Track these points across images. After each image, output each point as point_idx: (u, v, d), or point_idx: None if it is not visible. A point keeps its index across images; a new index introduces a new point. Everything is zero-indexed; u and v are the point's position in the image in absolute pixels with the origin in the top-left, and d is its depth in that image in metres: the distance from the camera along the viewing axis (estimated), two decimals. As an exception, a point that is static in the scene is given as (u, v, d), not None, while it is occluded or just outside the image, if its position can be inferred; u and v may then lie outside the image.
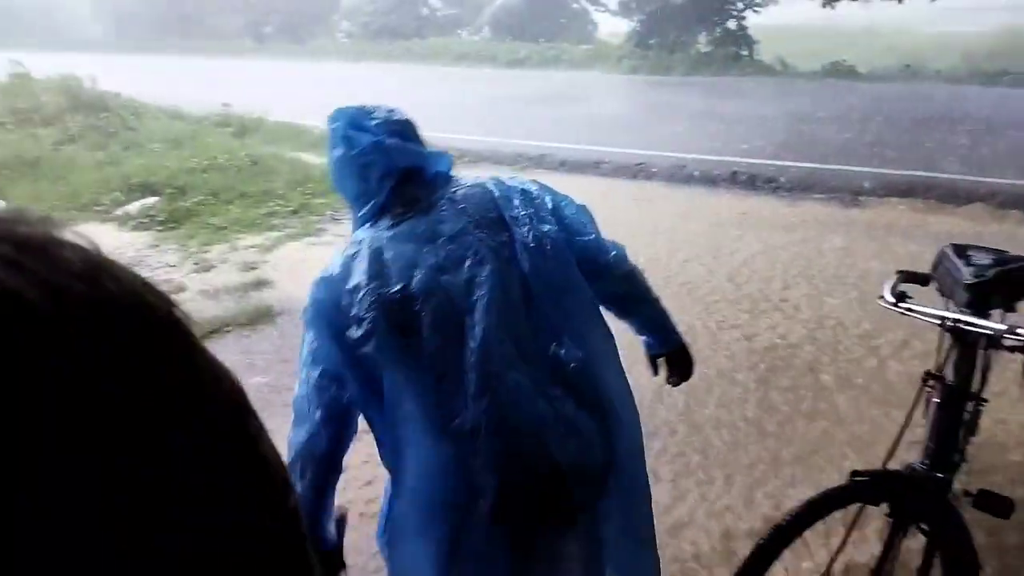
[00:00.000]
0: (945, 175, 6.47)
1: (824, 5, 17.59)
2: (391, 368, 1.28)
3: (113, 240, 5.65)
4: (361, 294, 1.29)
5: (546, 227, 1.38)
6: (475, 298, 1.28)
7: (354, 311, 1.28)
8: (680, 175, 7.11)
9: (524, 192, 1.44)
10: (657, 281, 3.56)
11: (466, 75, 15.57)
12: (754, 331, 3.83)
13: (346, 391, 1.32)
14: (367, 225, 1.40)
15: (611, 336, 1.44)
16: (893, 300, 1.75)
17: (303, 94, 14.02)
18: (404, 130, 1.46)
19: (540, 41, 20.44)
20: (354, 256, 1.34)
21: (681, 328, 1.69)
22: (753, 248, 5.05)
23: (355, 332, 1.27)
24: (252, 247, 5.39)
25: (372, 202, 1.39)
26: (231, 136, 9.12)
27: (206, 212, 6.16)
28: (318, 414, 1.33)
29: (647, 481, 1.48)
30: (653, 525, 1.48)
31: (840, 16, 18.82)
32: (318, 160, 7.90)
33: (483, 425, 1.24)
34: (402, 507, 1.35)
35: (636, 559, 1.46)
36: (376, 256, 1.32)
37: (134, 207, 6.20)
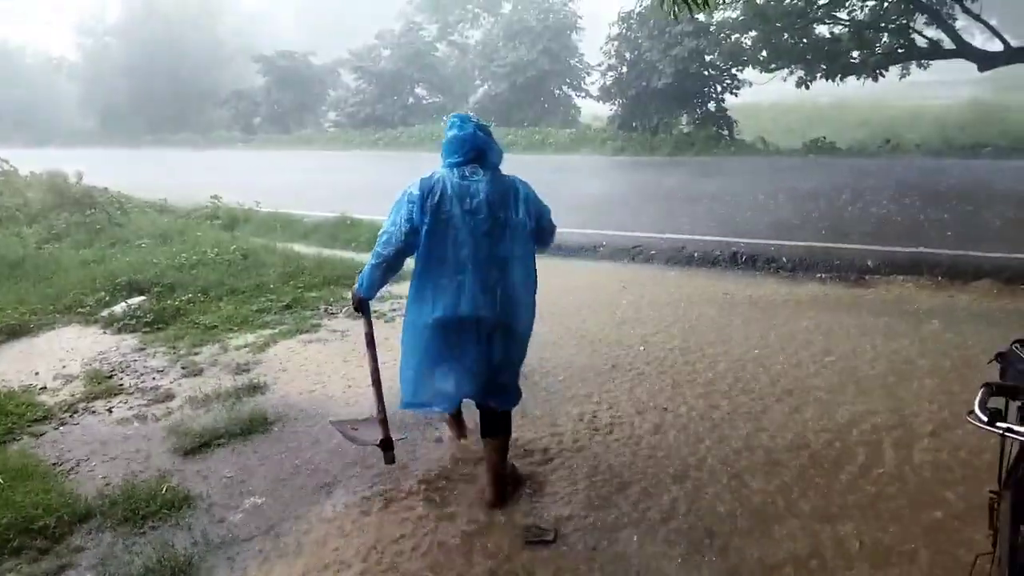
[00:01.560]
0: (948, 251, 6.40)
1: (799, 85, 18.09)
2: (427, 238, 2.92)
3: (96, 344, 5.39)
4: (434, 197, 2.92)
5: (520, 215, 3.01)
6: (471, 231, 2.92)
7: (428, 206, 2.91)
8: (680, 257, 7.02)
9: (526, 194, 3.06)
10: (686, 370, 3.26)
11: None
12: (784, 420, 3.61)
13: (416, 238, 2.94)
14: (445, 167, 3.03)
15: (533, 272, 3.13)
16: (986, 419, 1.56)
17: (292, 184, 14.08)
18: (488, 130, 3.10)
19: (525, 126, 20.83)
20: (437, 177, 2.98)
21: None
22: (769, 331, 4.88)
23: (423, 215, 2.91)
24: (244, 347, 5.14)
25: (455, 159, 3.01)
26: (221, 229, 8.99)
27: (195, 311, 5.93)
28: (398, 247, 2.97)
29: (527, 334, 3.18)
30: (522, 359, 3.19)
31: (811, 94, 19.39)
32: (310, 250, 7.79)
33: (460, 287, 2.92)
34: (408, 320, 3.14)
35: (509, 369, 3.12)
36: (444, 185, 2.95)
37: (119, 308, 5.96)
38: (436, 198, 2.92)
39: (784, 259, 6.59)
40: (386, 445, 3.29)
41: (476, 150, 3.01)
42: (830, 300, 5.63)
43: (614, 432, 3.66)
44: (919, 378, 4.08)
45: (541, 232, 3.12)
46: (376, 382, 3.31)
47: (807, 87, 17.98)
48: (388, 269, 3.06)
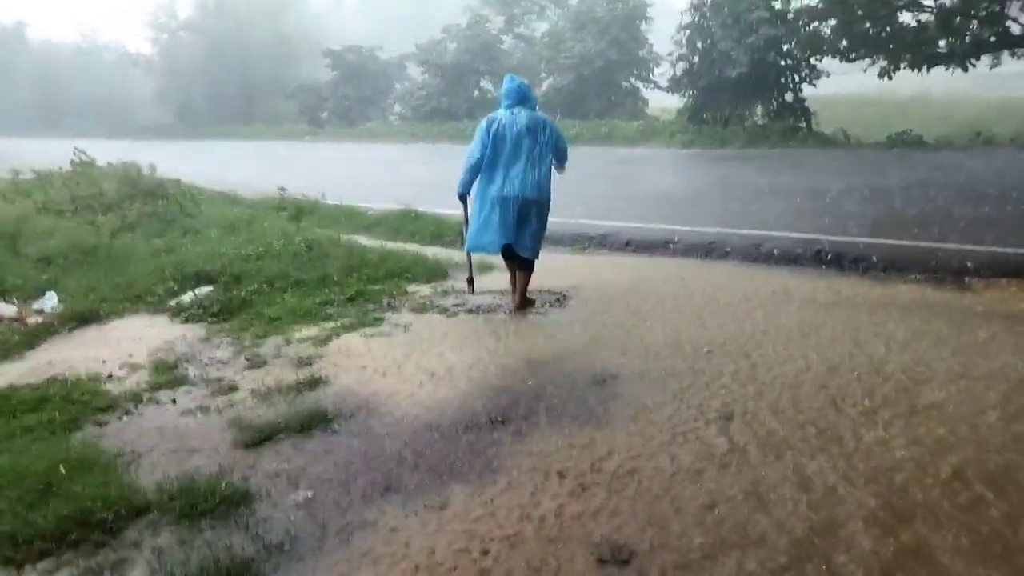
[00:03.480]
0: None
1: (881, 75, 17.21)
2: (490, 150, 5.23)
3: (163, 333, 5.40)
4: (495, 125, 5.27)
5: (545, 137, 5.24)
6: (515, 145, 5.21)
7: (492, 130, 5.25)
8: (756, 253, 6.65)
9: (550, 126, 5.32)
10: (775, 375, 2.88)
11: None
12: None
13: (482, 157, 5.25)
14: (502, 108, 5.37)
15: (551, 169, 5.33)
16: None
17: (357, 176, 14.14)
18: (528, 87, 5.51)
19: (591, 118, 20.48)
20: (496, 114, 5.35)
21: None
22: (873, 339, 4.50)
23: (489, 136, 5.25)
24: (306, 339, 5.06)
25: (507, 102, 5.38)
26: (287, 220, 9.01)
27: (260, 302, 5.90)
28: (475, 160, 5.28)
29: (546, 210, 5.37)
30: (544, 227, 5.43)
31: (892, 86, 18.44)
32: (373, 243, 7.72)
33: (508, 177, 5.21)
34: (477, 196, 5.39)
35: (533, 234, 5.32)
36: (500, 118, 5.30)
37: (187, 298, 5.98)
38: (495, 127, 5.29)
39: (874, 258, 6.15)
40: (471, 284, 6.00)
41: (519, 96, 5.40)
42: (928, 304, 5.19)
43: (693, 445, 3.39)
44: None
45: (559, 152, 5.39)
46: (468, 254, 5.89)
47: (890, 78, 17.07)
48: (472, 172, 5.38)
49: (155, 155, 11.32)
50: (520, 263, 5.42)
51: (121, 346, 5.13)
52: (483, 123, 5.33)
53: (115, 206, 9.21)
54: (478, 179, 5.34)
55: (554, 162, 5.35)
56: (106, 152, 11.78)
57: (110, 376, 4.57)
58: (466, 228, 5.57)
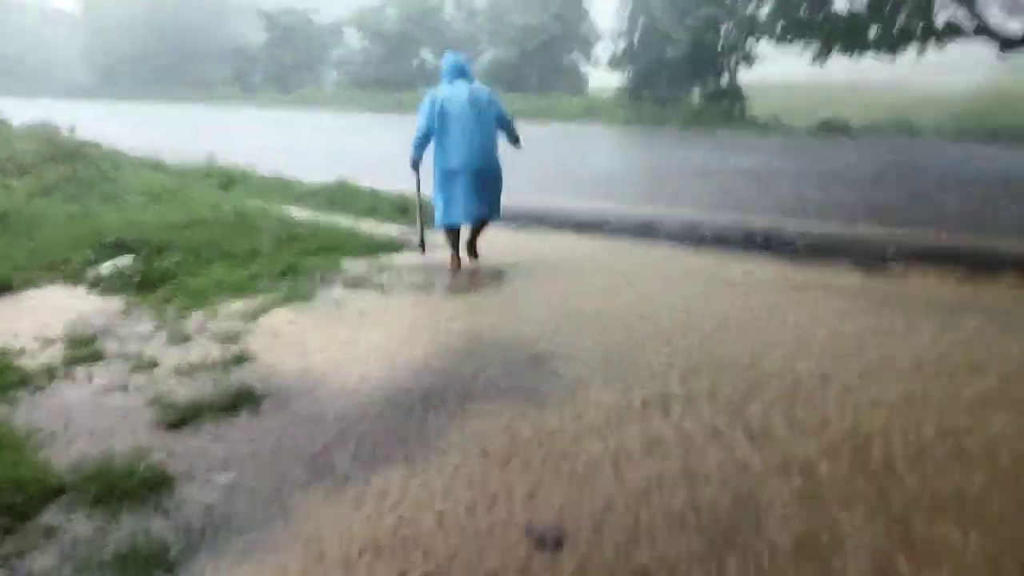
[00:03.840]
0: (981, 241, 6.15)
1: (815, 60, 17.67)
2: (438, 124, 5.62)
3: (81, 305, 5.15)
4: (438, 101, 5.61)
5: (486, 107, 5.67)
6: (459, 116, 5.57)
7: (436, 106, 5.60)
8: (692, 236, 6.76)
9: (491, 97, 5.74)
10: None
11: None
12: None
13: (433, 125, 5.62)
14: (443, 85, 5.73)
15: (496, 139, 5.78)
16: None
17: (291, 145, 13.75)
18: (465, 62, 5.87)
19: (532, 93, 20.40)
20: (439, 90, 5.69)
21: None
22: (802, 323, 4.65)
23: (435, 111, 5.61)
24: (234, 314, 4.90)
25: (448, 77, 5.74)
26: (216, 189, 8.69)
27: (185, 274, 5.68)
28: (423, 133, 5.67)
29: (499, 174, 5.83)
30: (500, 190, 5.90)
31: (822, 73, 18.97)
32: (306, 215, 7.52)
33: (457, 149, 5.61)
34: (435, 173, 5.78)
35: (491, 197, 5.83)
36: (443, 93, 5.65)
37: (106, 268, 5.71)
38: (439, 103, 5.64)
39: (799, 243, 6.34)
40: (422, 247, 6.38)
41: (458, 70, 5.80)
42: (847, 287, 5.39)
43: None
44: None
45: (507, 125, 5.88)
46: (419, 212, 6.40)
47: (822, 63, 17.55)
48: (421, 144, 5.79)
49: (76, 116, 10.72)
50: (478, 226, 6.07)
51: (35, 318, 4.87)
52: (427, 98, 5.70)
53: (31, 169, 8.70)
54: (433, 155, 5.74)
55: (505, 137, 5.88)
56: (23, 112, 11.12)
57: (22, 350, 4.33)
58: (418, 197, 6.28)
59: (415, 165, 5.97)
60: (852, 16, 16.70)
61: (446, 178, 5.70)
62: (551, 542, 2.60)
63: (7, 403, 3.67)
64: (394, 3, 25.78)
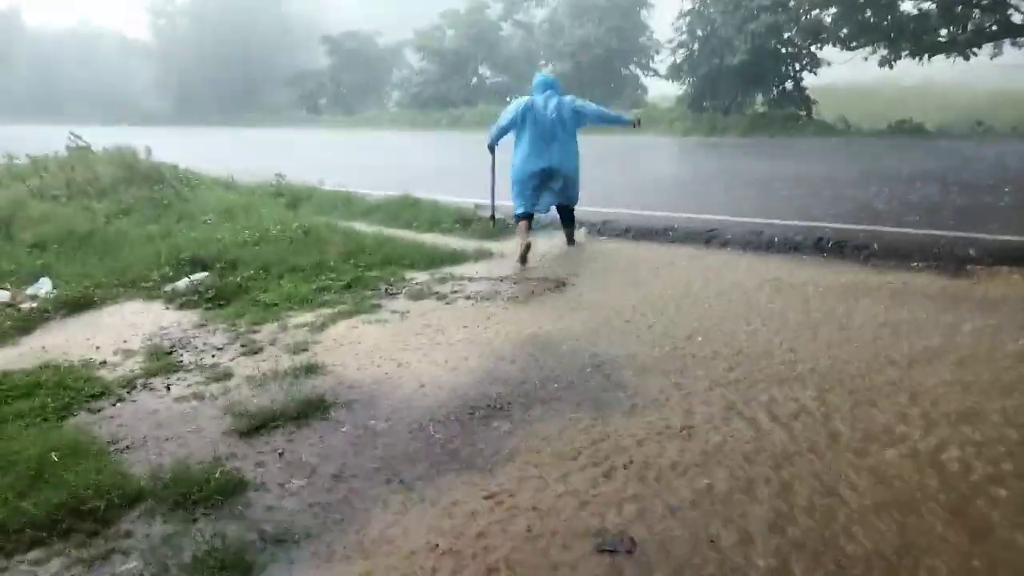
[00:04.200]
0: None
1: (882, 64, 17.11)
2: (520, 127, 6.65)
3: (158, 319, 5.34)
4: (525, 106, 6.59)
5: (568, 115, 6.57)
6: (543, 123, 6.53)
7: (522, 109, 6.60)
8: (756, 241, 6.59)
9: (571, 103, 6.61)
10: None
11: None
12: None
13: (510, 124, 6.71)
14: (537, 95, 6.68)
15: (576, 144, 6.81)
16: None
17: (355, 163, 14.05)
18: (555, 80, 6.98)
19: (590, 106, 20.37)
20: (532, 100, 6.63)
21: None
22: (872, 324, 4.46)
23: (519, 113, 6.62)
24: (303, 326, 5.00)
25: (538, 92, 6.69)
26: (284, 206, 8.93)
27: (256, 287, 5.84)
28: (501, 127, 6.79)
29: (577, 173, 6.86)
30: (578, 182, 6.92)
31: (892, 75, 18.34)
32: (371, 229, 7.65)
33: (537, 152, 6.58)
34: (513, 170, 6.73)
35: (569, 191, 6.82)
36: (532, 102, 6.62)
37: (182, 283, 5.92)
38: (531, 111, 6.56)
39: (875, 245, 6.10)
40: (492, 220, 7.52)
41: (547, 84, 6.77)
42: (926, 290, 5.14)
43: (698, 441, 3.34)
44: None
45: (589, 113, 6.67)
46: (492, 189, 7.38)
47: (891, 67, 16.97)
48: (500, 134, 6.89)
49: (152, 141, 11.21)
50: (564, 215, 7.00)
51: (115, 332, 5.07)
52: (520, 101, 6.65)
53: (111, 191, 9.13)
54: (513, 153, 6.74)
55: (605, 120, 6.92)
56: (103, 138, 11.67)
57: (104, 362, 4.51)
58: (492, 176, 7.28)
59: (492, 147, 7.07)
60: (922, 17, 16.12)
61: (524, 176, 6.61)
62: (621, 551, 2.54)
63: (89, 412, 3.82)
64: (453, 23, 26.18)
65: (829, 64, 17.58)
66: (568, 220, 7.00)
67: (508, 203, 7.01)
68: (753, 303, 5.01)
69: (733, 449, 3.15)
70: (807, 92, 17.06)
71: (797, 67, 17.14)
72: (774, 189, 8.82)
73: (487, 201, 7.57)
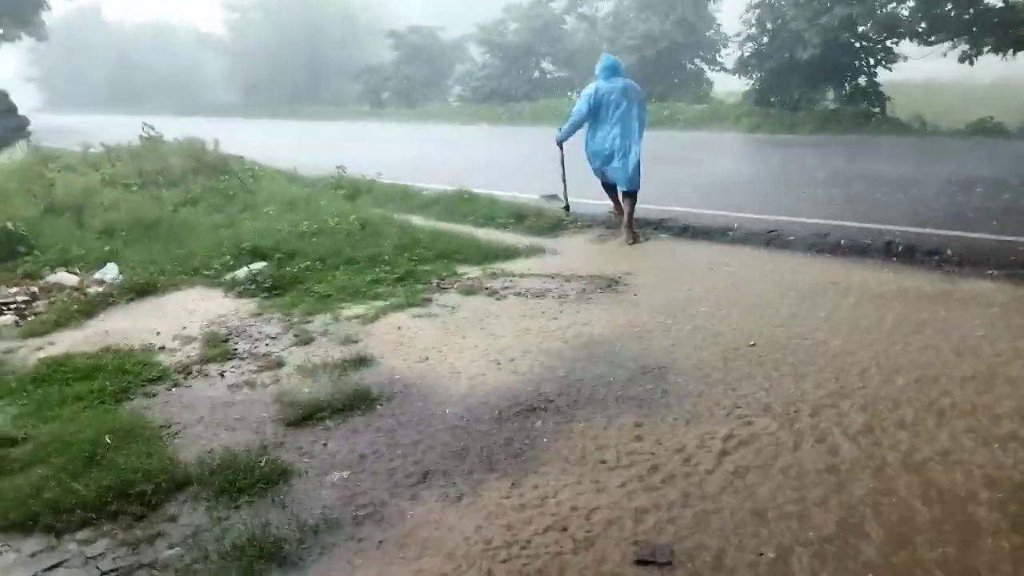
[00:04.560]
0: None
1: (962, 60, 16.27)
2: (593, 114, 6.96)
3: (217, 307, 5.47)
4: (592, 96, 6.93)
5: (635, 99, 6.94)
6: (613, 106, 6.87)
7: (594, 99, 6.91)
8: (822, 243, 6.34)
9: (639, 91, 7.08)
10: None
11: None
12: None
13: (586, 116, 7.01)
14: (600, 81, 6.95)
15: (642, 125, 7.00)
16: None
17: (415, 157, 14.16)
18: (617, 62, 7.20)
19: (653, 100, 20.04)
20: (596, 84, 6.96)
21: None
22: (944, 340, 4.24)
23: (590, 103, 6.94)
24: (355, 318, 5.05)
25: (604, 74, 6.97)
26: (343, 199, 9.05)
27: (312, 278, 5.92)
28: (577, 120, 7.13)
29: (640, 152, 6.92)
30: (640, 164, 6.92)
31: (971, 71, 17.43)
32: (426, 223, 7.68)
33: (611, 132, 6.93)
34: (589, 152, 7.18)
35: (636, 172, 6.94)
36: (600, 87, 6.92)
37: (242, 272, 6.05)
38: (596, 94, 6.89)
39: (948, 251, 5.79)
40: (567, 209, 7.80)
41: (613, 68, 7.00)
42: (1002, 299, 4.85)
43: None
44: None
45: (643, 114, 7.05)
46: (563, 181, 7.74)
47: (972, 62, 16.11)
48: (574, 127, 7.20)
49: (221, 133, 11.50)
50: (628, 196, 7.00)
51: (176, 318, 5.22)
52: (590, 89, 7.01)
53: (179, 180, 9.42)
54: (587, 137, 7.12)
55: (643, 123, 7.08)
56: (175, 129, 12.05)
57: (163, 347, 4.64)
58: (563, 168, 7.63)
59: (561, 144, 7.44)
60: (1007, 9, 15.24)
61: (600, 156, 7.03)
62: (659, 560, 2.46)
63: (146, 396, 3.93)
64: (516, 16, 26.10)
65: (905, 59, 16.83)
66: (633, 197, 6.97)
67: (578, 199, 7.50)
68: (813, 309, 4.82)
69: (779, 463, 3.03)
70: (881, 88, 16.35)
71: (871, 62, 16.43)
72: (842, 189, 8.47)
73: (558, 194, 8.01)
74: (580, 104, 7.04)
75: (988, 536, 2.51)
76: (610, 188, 7.29)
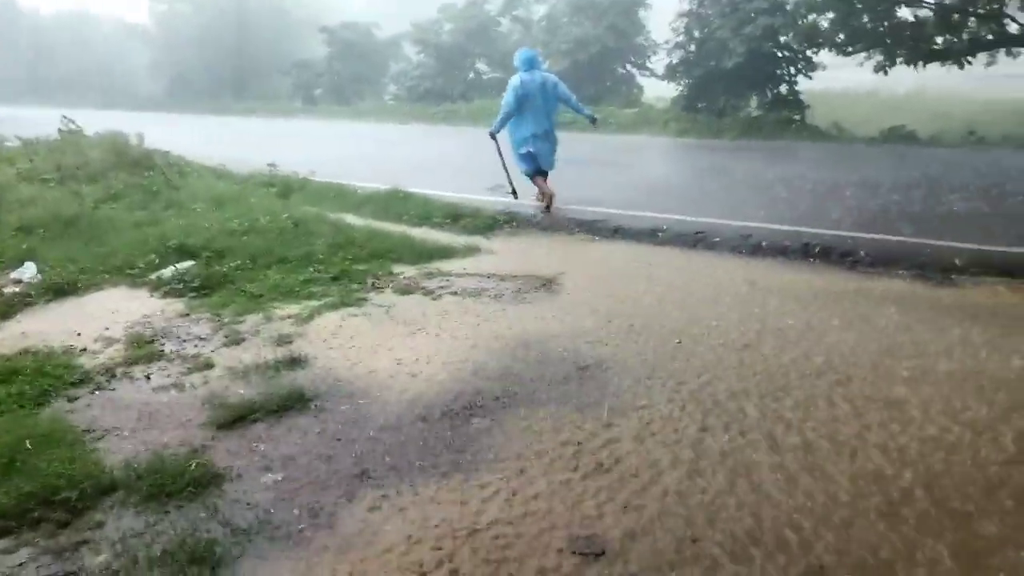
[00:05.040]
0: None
1: (877, 70, 17.11)
2: (517, 105, 7.80)
3: (142, 307, 5.31)
4: (519, 89, 7.76)
5: (551, 90, 7.88)
6: (534, 97, 7.79)
7: (518, 92, 7.77)
8: (745, 246, 6.59)
9: (555, 81, 7.97)
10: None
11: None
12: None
13: (515, 108, 7.81)
14: (521, 73, 7.84)
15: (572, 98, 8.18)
16: None
17: (348, 155, 13.99)
18: (536, 55, 8.15)
19: (585, 104, 20.32)
20: (521, 80, 7.78)
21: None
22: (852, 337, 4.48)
23: (517, 96, 7.78)
24: (288, 318, 4.98)
25: (524, 67, 7.85)
26: (275, 197, 8.88)
27: (243, 278, 5.80)
28: (508, 112, 7.87)
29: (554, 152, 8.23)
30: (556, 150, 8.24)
31: (886, 82, 18.34)
32: (361, 222, 7.62)
33: (535, 120, 7.90)
34: (515, 140, 8.08)
35: (553, 151, 8.23)
36: (523, 79, 7.79)
37: (168, 271, 5.88)
38: (522, 87, 7.70)
39: (862, 252, 6.11)
40: (513, 194, 8.42)
41: (532, 61, 7.88)
42: (909, 298, 5.16)
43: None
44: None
45: (572, 102, 8.06)
46: (505, 168, 8.38)
47: (886, 73, 16.94)
48: (504, 122, 7.92)
49: (146, 127, 11.11)
50: (545, 174, 8.15)
51: (98, 319, 5.04)
52: (515, 82, 7.81)
53: (100, 176, 9.07)
54: (511, 127, 7.98)
55: (576, 112, 8.38)
56: (97, 122, 11.59)
57: (84, 350, 4.48)
58: (501, 158, 8.34)
59: (494, 135, 8.17)
60: (918, 24, 16.11)
61: (526, 141, 7.93)
62: (592, 553, 2.54)
63: (67, 400, 3.80)
64: (451, 17, 26.04)
65: (824, 68, 17.56)
66: (546, 175, 8.20)
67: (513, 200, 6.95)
68: (733, 308, 5.02)
69: (710, 451, 3.16)
70: (801, 96, 17.05)
71: (792, 71, 17.11)
72: (764, 193, 8.82)
73: (502, 183, 8.68)
74: (508, 97, 7.84)
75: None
76: (536, 174, 8.09)
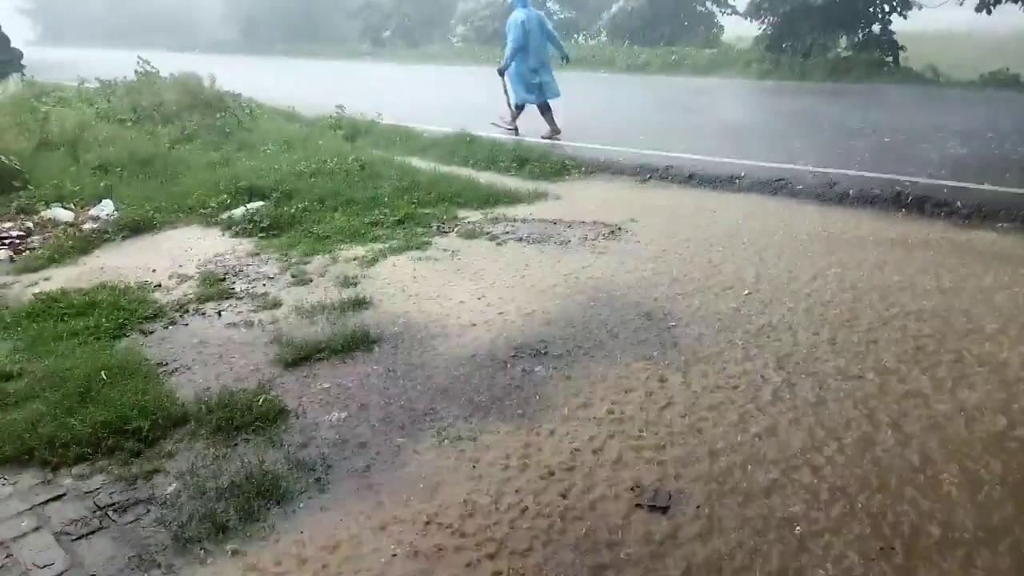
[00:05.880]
0: None
1: (979, 9, 15.81)
2: (523, 38, 8.54)
3: (214, 246, 5.40)
4: (525, 24, 8.52)
5: (545, 23, 8.82)
6: (536, 31, 8.58)
7: (525, 26, 8.55)
8: (830, 194, 6.22)
9: (545, 18, 8.89)
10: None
11: (582, 79, 14.93)
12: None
13: (524, 43, 8.55)
14: (520, 10, 8.59)
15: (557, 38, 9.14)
16: None
17: (416, 98, 13.87)
18: None
19: (661, 45, 19.55)
20: (525, 16, 8.54)
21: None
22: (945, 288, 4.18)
23: (525, 31, 8.53)
24: (353, 259, 4.98)
25: (522, 5, 8.60)
26: (342, 139, 8.87)
27: (310, 219, 5.83)
28: (523, 42, 8.51)
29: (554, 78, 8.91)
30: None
31: (987, 23, 16.92)
32: (427, 165, 7.54)
33: (536, 54, 8.68)
34: (518, 73, 8.78)
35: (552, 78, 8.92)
36: (526, 17, 8.55)
37: (239, 212, 5.95)
38: (526, 23, 8.43)
39: (958, 203, 5.68)
40: (515, 131, 8.93)
41: (524, 2, 8.61)
42: (1011, 253, 4.77)
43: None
44: None
45: (556, 42, 8.96)
46: (510, 105, 8.98)
47: (989, 12, 15.65)
48: (513, 56, 8.49)
49: (218, 70, 11.21)
50: (546, 112, 8.82)
51: (172, 256, 5.15)
52: (519, 19, 8.43)
53: (175, 117, 9.23)
54: (517, 59, 8.53)
55: (556, 51, 9.07)
56: (171, 64, 11.73)
57: (159, 285, 4.59)
58: (507, 93, 8.91)
59: (502, 73, 8.73)
60: (1030, -45, 14.76)
61: (530, 73, 8.60)
62: (659, 504, 2.44)
63: (141, 334, 3.89)
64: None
65: (920, 7, 16.34)
66: (548, 111, 8.83)
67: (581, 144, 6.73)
68: (813, 259, 4.75)
69: (776, 405, 3.00)
70: (895, 37, 15.91)
71: (886, 9, 15.95)
72: (852, 139, 8.31)
73: (497, 121, 9.25)
74: (516, 32, 8.45)
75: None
76: (543, 107, 8.76)
